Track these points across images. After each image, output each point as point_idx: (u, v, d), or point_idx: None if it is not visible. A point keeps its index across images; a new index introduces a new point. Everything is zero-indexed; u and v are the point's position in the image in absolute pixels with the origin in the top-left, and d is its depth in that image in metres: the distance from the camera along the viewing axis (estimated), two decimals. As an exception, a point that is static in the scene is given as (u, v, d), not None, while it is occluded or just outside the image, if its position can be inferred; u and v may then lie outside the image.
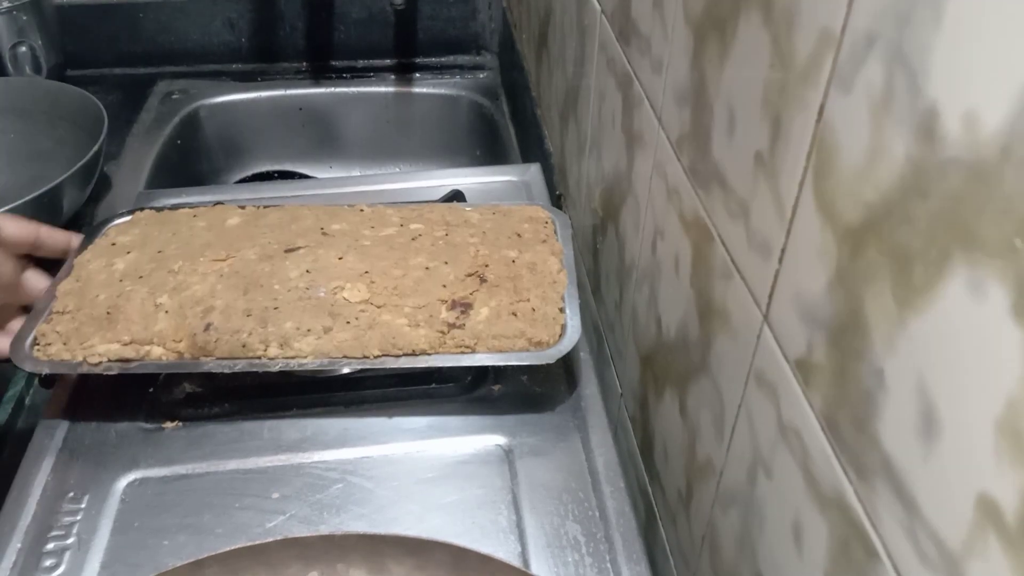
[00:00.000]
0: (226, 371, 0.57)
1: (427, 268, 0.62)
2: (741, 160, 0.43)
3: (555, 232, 0.69)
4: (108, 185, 1.01)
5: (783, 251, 0.39)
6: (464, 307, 0.59)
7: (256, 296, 0.60)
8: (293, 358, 0.57)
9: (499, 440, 0.59)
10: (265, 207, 0.72)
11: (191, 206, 0.73)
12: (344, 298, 0.60)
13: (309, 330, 0.57)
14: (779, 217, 0.39)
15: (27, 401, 0.75)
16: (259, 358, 0.57)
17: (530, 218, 0.71)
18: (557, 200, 0.93)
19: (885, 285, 0.30)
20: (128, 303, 0.60)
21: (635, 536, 0.53)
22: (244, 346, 0.57)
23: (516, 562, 0.50)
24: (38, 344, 0.59)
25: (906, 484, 0.30)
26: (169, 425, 0.60)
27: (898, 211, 0.29)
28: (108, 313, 0.59)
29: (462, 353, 0.58)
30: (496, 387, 0.63)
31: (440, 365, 0.58)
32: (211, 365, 0.57)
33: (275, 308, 0.59)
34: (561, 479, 0.56)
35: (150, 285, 0.61)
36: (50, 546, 0.52)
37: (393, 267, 0.62)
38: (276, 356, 0.57)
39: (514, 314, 0.59)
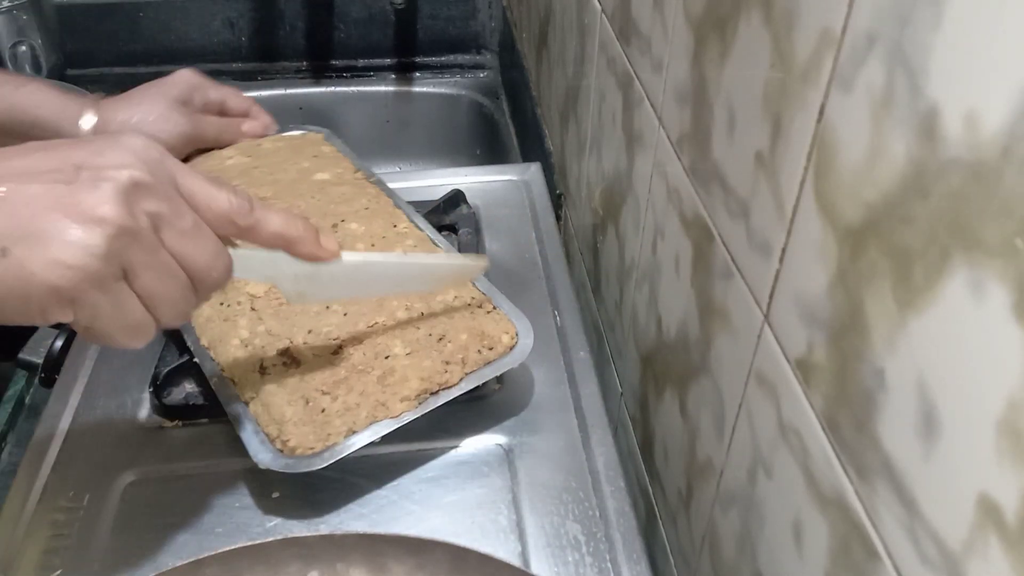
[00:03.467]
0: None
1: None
2: (741, 160, 0.43)
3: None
4: (108, 185, 1.00)
5: (784, 251, 0.39)
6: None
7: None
8: None
9: (499, 440, 0.59)
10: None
11: None
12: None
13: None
14: (779, 217, 0.39)
15: (27, 401, 0.75)
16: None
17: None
18: (558, 199, 0.93)
19: (885, 285, 0.30)
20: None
21: (635, 536, 0.53)
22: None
23: (516, 562, 0.50)
24: None
25: (906, 484, 0.30)
26: (169, 425, 0.60)
27: (899, 211, 0.29)
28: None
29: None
30: (496, 387, 0.63)
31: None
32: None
33: None
34: (561, 479, 0.56)
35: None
36: (50, 546, 0.52)
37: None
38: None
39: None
